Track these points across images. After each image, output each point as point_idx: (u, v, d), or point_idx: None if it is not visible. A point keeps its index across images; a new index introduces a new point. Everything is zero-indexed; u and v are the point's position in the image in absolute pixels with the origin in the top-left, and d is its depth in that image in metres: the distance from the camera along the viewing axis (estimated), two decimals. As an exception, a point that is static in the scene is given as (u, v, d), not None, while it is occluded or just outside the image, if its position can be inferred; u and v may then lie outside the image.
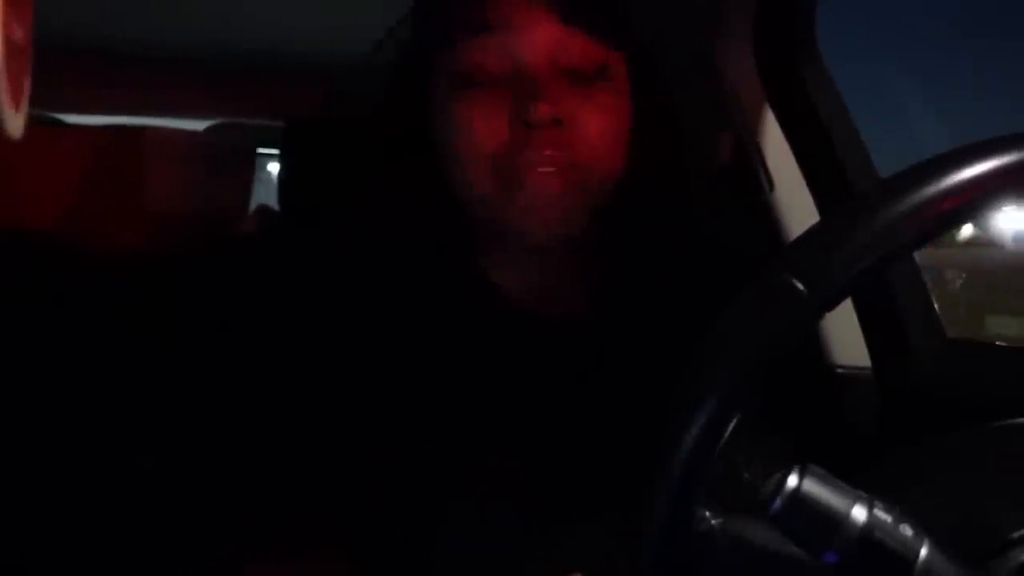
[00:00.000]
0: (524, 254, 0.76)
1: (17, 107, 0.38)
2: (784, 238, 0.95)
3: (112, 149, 1.08)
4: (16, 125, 0.38)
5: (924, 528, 0.41)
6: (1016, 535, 0.44)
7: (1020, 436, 0.55)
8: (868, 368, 0.91)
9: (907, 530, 0.40)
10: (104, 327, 1.04)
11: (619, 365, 0.77)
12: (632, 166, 0.75)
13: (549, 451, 0.73)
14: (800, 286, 0.41)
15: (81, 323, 1.04)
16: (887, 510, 0.41)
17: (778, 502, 0.41)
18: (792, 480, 0.41)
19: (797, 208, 0.94)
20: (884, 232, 0.40)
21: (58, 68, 1.00)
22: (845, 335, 0.91)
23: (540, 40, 0.71)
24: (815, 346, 0.91)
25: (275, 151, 1.51)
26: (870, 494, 0.41)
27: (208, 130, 1.83)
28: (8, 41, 0.36)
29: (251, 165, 1.40)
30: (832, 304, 0.42)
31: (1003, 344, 0.92)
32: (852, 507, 0.40)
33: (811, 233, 0.43)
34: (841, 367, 0.91)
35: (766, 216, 0.95)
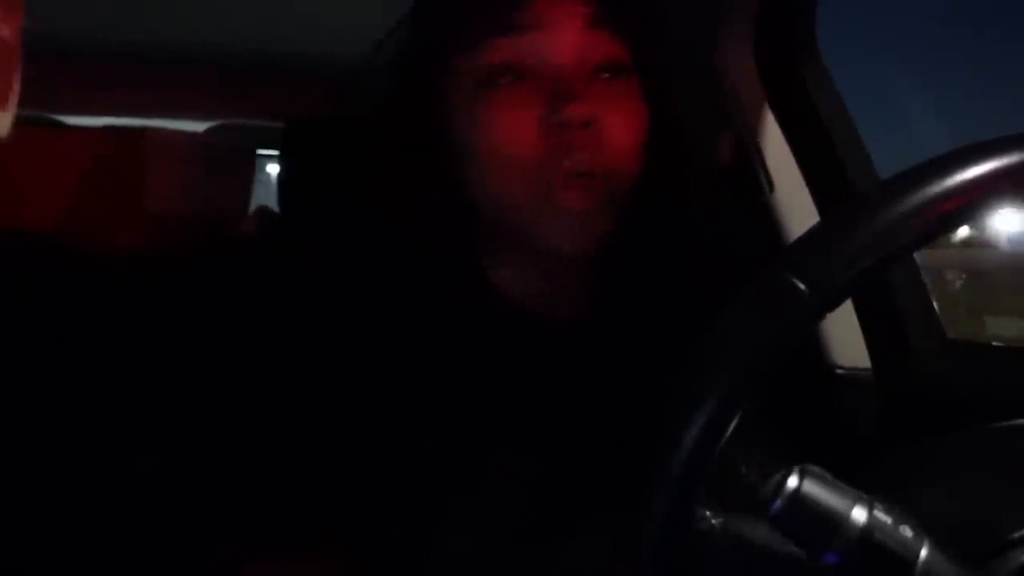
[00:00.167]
0: (527, 256, 0.76)
1: (4, 106, 0.38)
2: (784, 238, 0.95)
3: (112, 150, 1.08)
4: (2, 124, 0.38)
5: (924, 529, 0.41)
6: (1016, 535, 0.44)
7: (1020, 436, 0.55)
8: (868, 369, 0.91)
9: (907, 531, 0.40)
10: (104, 328, 1.04)
11: (619, 365, 0.77)
12: (639, 167, 0.75)
13: (549, 451, 0.73)
14: (801, 286, 0.41)
15: (81, 323, 1.04)
16: (887, 511, 0.41)
17: (778, 503, 0.41)
18: (792, 481, 0.41)
19: (797, 208, 0.94)
20: (885, 232, 0.40)
21: (59, 70, 1.01)
22: (845, 335, 0.91)
23: (573, 39, 0.71)
24: (815, 346, 0.91)
25: (275, 152, 1.51)
26: (870, 495, 0.41)
27: (208, 131, 1.83)
28: None
29: (251, 166, 1.40)
30: (833, 304, 0.42)
31: (1003, 344, 0.92)
32: (852, 508, 0.40)
33: (812, 233, 0.43)
34: (841, 367, 0.91)
35: (766, 216, 0.95)
